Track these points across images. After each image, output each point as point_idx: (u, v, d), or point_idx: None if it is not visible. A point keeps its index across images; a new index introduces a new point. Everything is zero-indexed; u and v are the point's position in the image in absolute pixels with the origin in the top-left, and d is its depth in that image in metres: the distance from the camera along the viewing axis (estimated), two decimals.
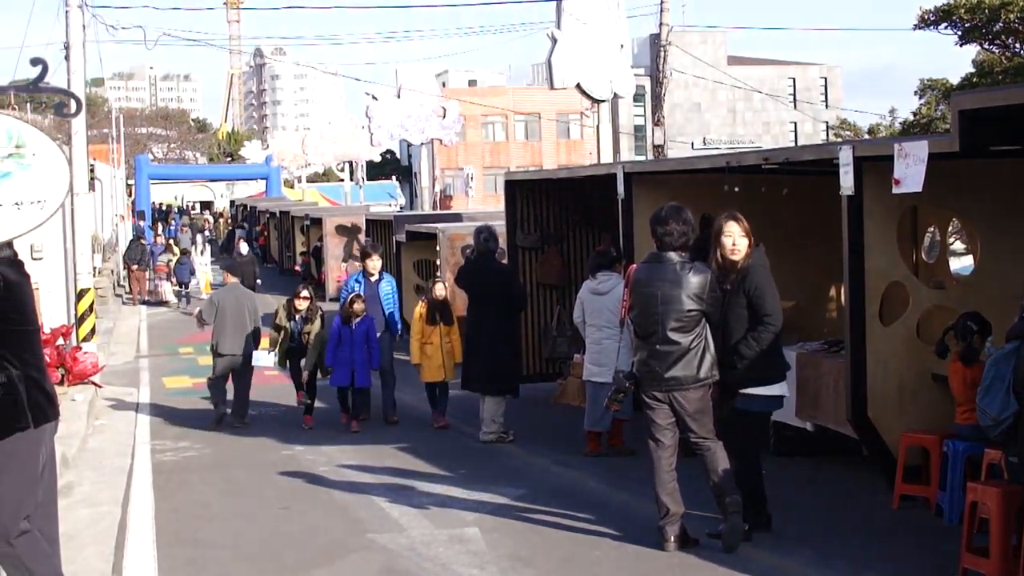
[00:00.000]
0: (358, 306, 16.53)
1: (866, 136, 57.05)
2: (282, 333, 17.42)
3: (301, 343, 17.24)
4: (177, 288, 39.50)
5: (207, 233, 62.85)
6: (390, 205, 75.15)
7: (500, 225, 18.68)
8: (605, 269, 14.33)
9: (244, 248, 38.99)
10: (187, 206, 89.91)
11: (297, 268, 44.06)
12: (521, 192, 19.43)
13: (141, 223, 62.12)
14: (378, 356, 16.72)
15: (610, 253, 14.74)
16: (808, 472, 12.97)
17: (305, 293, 17.59)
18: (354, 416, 16.49)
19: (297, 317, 17.32)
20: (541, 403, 17.96)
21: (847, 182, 11.39)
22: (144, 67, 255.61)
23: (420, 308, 16.75)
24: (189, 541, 10.93)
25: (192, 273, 40.16)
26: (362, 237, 34.05)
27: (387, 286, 17.59)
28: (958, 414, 10.65)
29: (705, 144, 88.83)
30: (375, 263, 17.66)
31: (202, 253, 42.56)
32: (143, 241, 44.21)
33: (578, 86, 36.59)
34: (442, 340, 16.41)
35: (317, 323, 17.24)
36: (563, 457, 14.10)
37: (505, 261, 18.41)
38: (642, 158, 66.00)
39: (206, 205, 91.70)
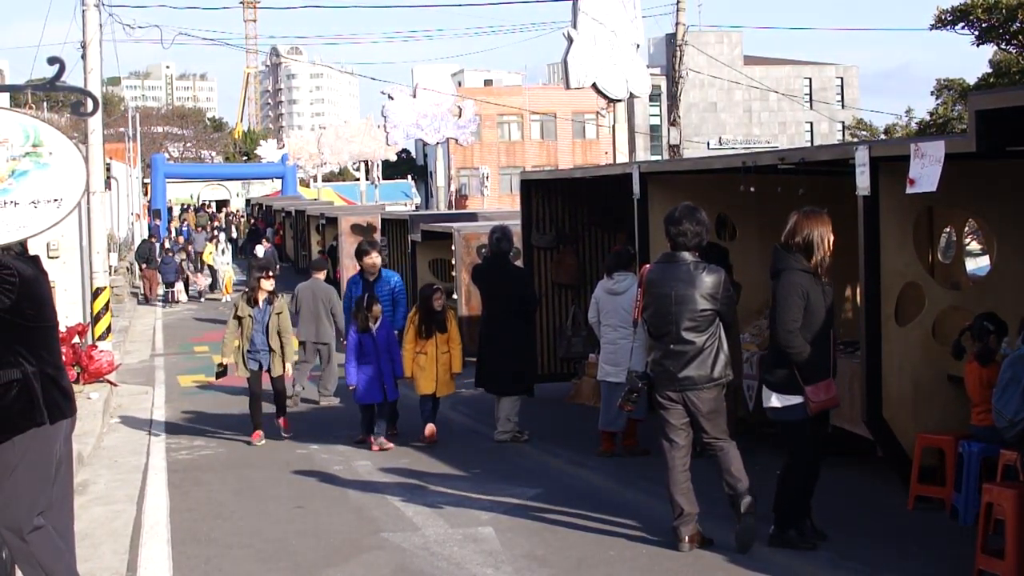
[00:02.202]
0: (377, 308, 15.24)
1: (882, 136, 56.98)
2: (240, 329, 15.82)
3: (268, 342, 15.71)
4: (168, 288, 39.91)
5: (216, 232, 62.80)
6: (405, 204, 75.28)
7: (515, 225, 18.66)
8: (622, 269, 14.30)
9: (260, 251, 39.12)
10: (201, 204, 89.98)
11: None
12: (536, 192, 19.41)
13: (157, 222, 62.23)
14: (400, 363, 15.31)
15: (627, 252, 14.72)
16: (823, 473, 12.88)
17: (271, 272, 16.22)
18: (391, 431, 15.27)
19: (261, 302, 15.78)
20: (556, 403, 17.96)
21: (863, 182, 11.36)
22: (160, 66, 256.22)
23: (412, 316, 15.57)
24: (204, 540, 10.95)
25: (178, 273, 40.49)
26: (377, 236, 34.06)
27: (385, 286, 16.30)
28: (974, 415, 10.63)
29: (721, 144, 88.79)
30: (374, 260, 16.44)
31: (223, 253, 42.48)
32: (153, 240, 44.32)
33: (594, 86, 36.54)
34: (437, 350, 15.27)
35: (281, 301, 16.04)
36: (578, 457, 14.09)
37: (520, 262, 18.42)
38: (658, 158, 65.98)
39: (222, 204, 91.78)
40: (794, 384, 9.75)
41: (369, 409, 15.21)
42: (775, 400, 9.87)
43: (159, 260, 41.02)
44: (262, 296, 15.82)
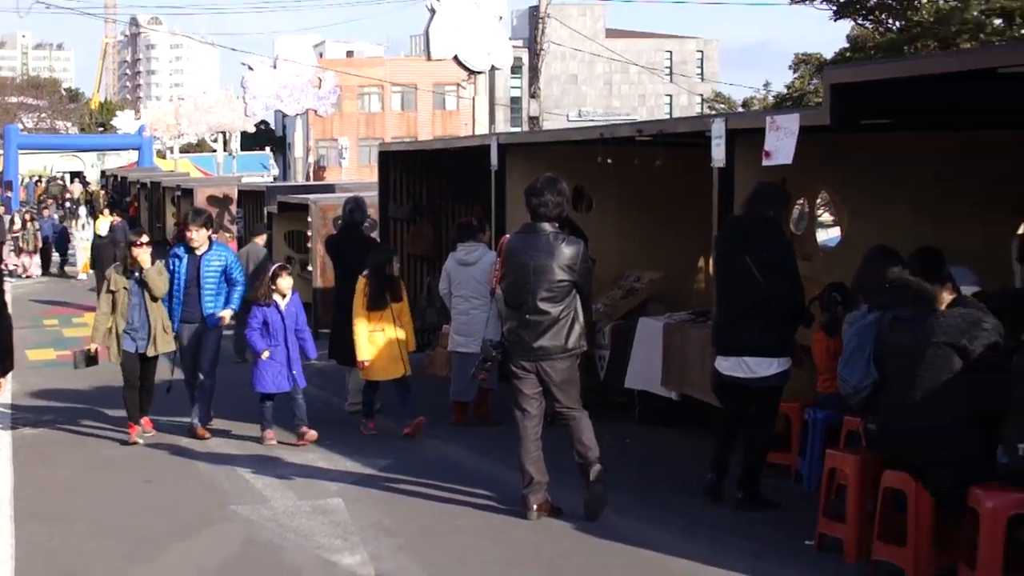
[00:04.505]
0: (285, 281, 13.61)
1: (740, 109, 57.58)
2: (113, 306, 13.62)
3: (145, 310, 13.59)
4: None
5: (74, 206, 61.57)
6: (263, 176, 74.57)
7: (373, 196, 18.58)
8: (470, 239, 14.21)
9: (104, 228, 38.31)
10: (56, 176, 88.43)
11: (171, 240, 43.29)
12: (395, 163, 19.37)
13: (8, 194, 60.96)
14: (311, 343, 13.90)
15: (472, 224, 14.64)
16: (674, 441, 13.05)
17: (144, 238, 13.78)
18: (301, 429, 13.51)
19: (137, 270, 13.61)
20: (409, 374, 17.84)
21: (718, 154, 11.47)
22: (16, 35, 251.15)
23: (362, 287, 13.85)
24: (48, 516, 10.72)
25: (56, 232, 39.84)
26: (234, 208, 33.67)
27: (216, 260, 13.98)
28: (819, 383, 10.79)
29: (581, 116, 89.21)
30: (199, 234, 14.01)
31: (83, 228, 41.40)
32: (1, 211, 43.41)
33: (455, 58, 36.54)
34: (395, 325, 13.87)
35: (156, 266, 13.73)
36: (430, 428, 13.96)
37: (376, 233, 18.33)
38: (518, 130, 66.08)
39: (76, 176, 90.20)
40: (790, 347, 10.20)
41: (268, 399, 13.58)
42: (777, 366, 10.14)
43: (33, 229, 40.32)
44: (138, 264, 13.59)
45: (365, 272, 13.87)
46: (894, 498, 8.27)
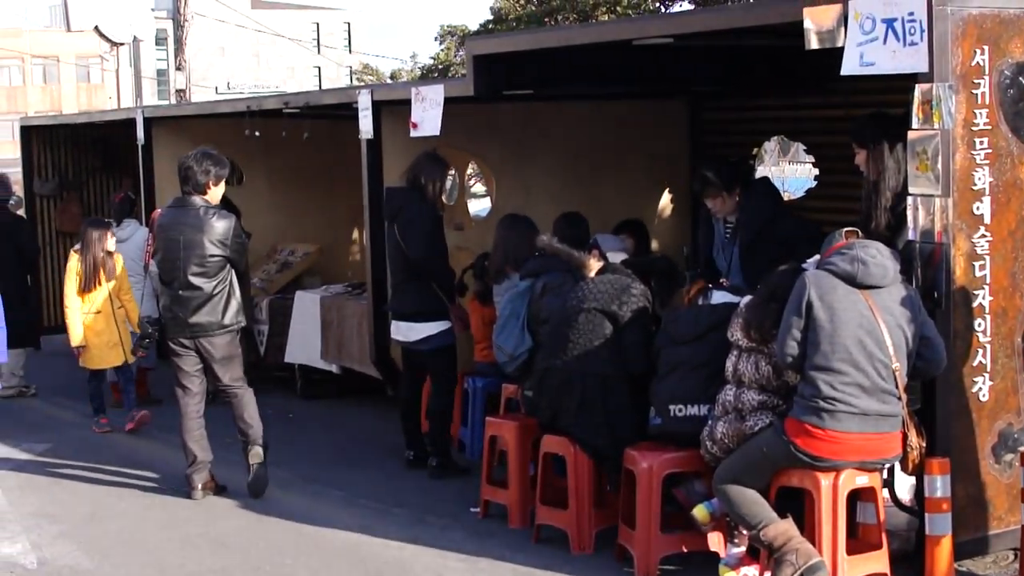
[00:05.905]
0: None
1: (388, 81, 57.91)
2: None
3: None
4: None
5: None
6: None
7: (17, 173, 18.11)
8: (126, 216, 14.02)
9: None
10: None
11: None
12: (38, 138, 18.88)
13: None
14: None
15: (131, 198, 14.45)
16: (335, 414, 13.14)
17: None
18: None
19: None
20: (64, 355, 17.37)
21: (366, 126, 11.58)
22: None
23: (76, 267, 12.49)
24: None
25: None
26: None
27: None
28: (477, 351, 10.98)
29: (229, 88, 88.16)
30: None
31: None
32: None
33: (96, 28, 35.70)
34: (113, 307, 12.58)
35: None
36: (88, 409, 13.67)
37: (22, 211, 17.89)
38: (166, 103, 64.98)
39: None
40: (442, 310, 10.25)
41: None
42: (425, 331, 10.24)
43: None
44: None
45: (76, 247, 12.81)
46: (554, 462, 8.47)
